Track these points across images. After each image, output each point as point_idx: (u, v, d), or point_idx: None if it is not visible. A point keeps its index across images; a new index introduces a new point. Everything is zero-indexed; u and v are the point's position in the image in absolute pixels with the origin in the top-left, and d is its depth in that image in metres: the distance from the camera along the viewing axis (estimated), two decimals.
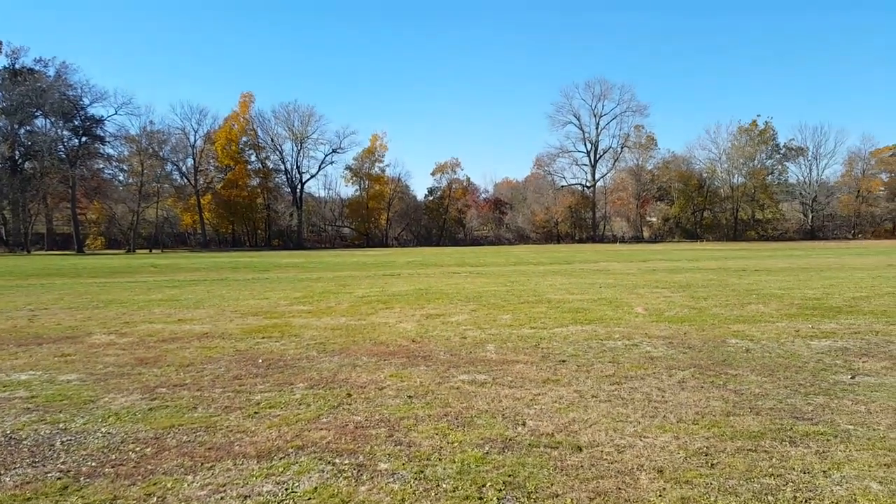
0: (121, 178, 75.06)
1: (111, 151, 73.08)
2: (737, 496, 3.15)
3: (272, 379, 5.81)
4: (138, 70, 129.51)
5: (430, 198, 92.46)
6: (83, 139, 69.01)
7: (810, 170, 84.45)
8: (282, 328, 8.90)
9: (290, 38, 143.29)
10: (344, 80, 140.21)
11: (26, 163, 66.01)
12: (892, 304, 10.62)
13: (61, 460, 3.78)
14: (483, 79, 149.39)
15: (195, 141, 77.48)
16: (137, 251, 63.93)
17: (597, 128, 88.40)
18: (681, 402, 4.83)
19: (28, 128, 65.12)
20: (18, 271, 25.64)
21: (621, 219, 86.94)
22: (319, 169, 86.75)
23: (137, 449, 3.95)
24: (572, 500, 3.14)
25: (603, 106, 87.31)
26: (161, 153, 73.00)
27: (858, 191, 79.72)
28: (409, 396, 5.12)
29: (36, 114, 64.05)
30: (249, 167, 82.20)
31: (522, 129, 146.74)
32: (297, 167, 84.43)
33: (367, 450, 3.87)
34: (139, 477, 3.50)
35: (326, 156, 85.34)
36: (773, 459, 3.62)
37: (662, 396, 5.02)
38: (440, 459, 3.69)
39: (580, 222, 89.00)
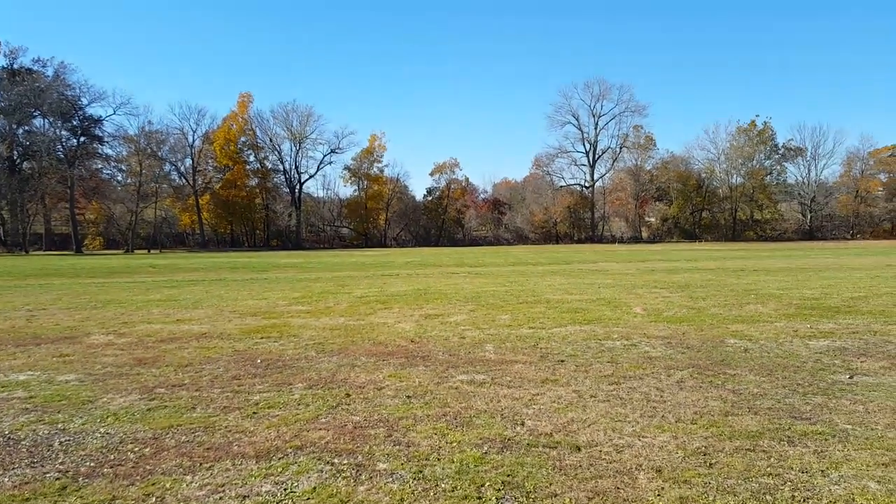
0: (119, 178, 75.16)
1: (109, 151, 73.16)
2: (735, 495, 3.15)
3: (271, 379, 5.81)
4: (136, 70, 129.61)
5: (429, 198, 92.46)
6: (81, 139, 68.95)
7: (809, 170, 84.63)
8: (280, 328, 8.89)
9: (289, 38, 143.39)
10: (342, 80, 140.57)
11: (24, 163, 65.93)
12: (890, 304, 10.64)
13: (60, 461, 3.78)
14: (482, 79, 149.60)
15: (193, 141, 77.63)
16: (136, 251, 63.87)
17: (595, 128, 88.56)
18: (679, 402, 4.84)
19: (26, 128, 65.08)
20: (17, 271, 25.61)
21: (620, 219, 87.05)
22: (318, 169, 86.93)
23: (136, 449, 3.94)
24: (571, 499, 3.14)
25: (602, 106, 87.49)
26: (159, 153, 72.95)
27: (857, 191, 79.78)
28: (408, 396, 5.12)
29: (34, 114, 63.99)
30: (248, 167, 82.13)
31: (521, 130, 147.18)
32: (296, 167, 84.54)
33: (366, 450, 3.87)
34: (138, 477, 3.50)
35: (325, 156, 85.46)
36: (772, 459, 3.63)
37: (661, 396, 5.02)
38: (439, 459, 3.69)
39: (579, 222, 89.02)
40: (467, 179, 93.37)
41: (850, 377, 5.61)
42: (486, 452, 3.79)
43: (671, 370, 5.96)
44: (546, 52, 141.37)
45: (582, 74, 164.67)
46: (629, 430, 4.17)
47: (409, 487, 3.30)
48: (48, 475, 3.55)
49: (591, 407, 4.75)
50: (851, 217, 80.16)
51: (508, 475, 3.44)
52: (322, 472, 3.53)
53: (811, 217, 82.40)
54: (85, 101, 67.65)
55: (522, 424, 4.33)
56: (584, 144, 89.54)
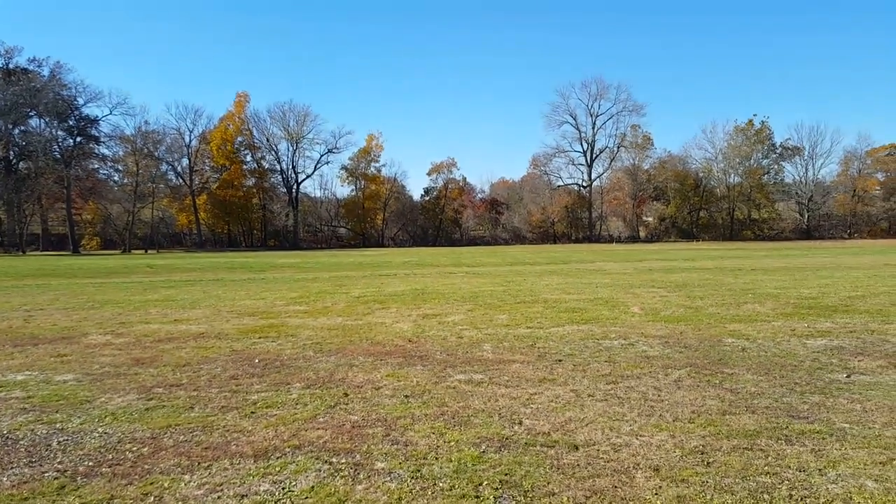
0: (116, 178, 74.93)
1: (106, 151, 72.93)
2: (733, 494, 3.16)
3: (269, 379, 5.81)
4: (133, 70, 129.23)
5: (427, 198, 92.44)
6: (78, 139, 68.73)
7: (806, 169, 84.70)
8: (278, 328, 8.89)
9: (286, 37, 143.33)
10: (340, 79, 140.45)
11: (21, 163, 65.72)
12: (887, 304, 10.67)
13: (58, 460, 3.77)
14: (479, 79, 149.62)
15: (190, 141, 77.43)
16: (133, 251, 63.74)
17: (593, 127, 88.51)
18: (677, 401, 4.85)
19: (22, 128, 64.83)
20: (14, 272, 25.54)
21: (618, 218, 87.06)
22: (315, 169, 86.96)
23: (134, 449, 3.94)
24: (568, 498, 3.15)
25: (599, 105, 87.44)
26: (156, 153, 72.80)
27: (854, 190, 79.92)
28: (406, 396, 5.12)
29: (30, 114, 63.75)
30: (245, 167, 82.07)
31: (519, 129, 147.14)
32: (293, 167, 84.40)
33: (364, 449, 3.87)
34: (136, 476, 3.50)
35: (322, 156, 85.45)
36: (769, 458, 3.64)
37: (658, 395, 5.03)
38: (437, 458, 3.70)
39: (576, 222, 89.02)
40: (465, 179, 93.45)
41: (848, 376, 5.63)
42: (483, 451, 3.80)
43: (669, 369, 5.97)
44: (543, 51, 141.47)
45: (579, 73, 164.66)
46: (627, 430, 4.18)
47: (407, 486, 3.31)
48: (46, 475, 3.54)
49: (589, 406, 4.75)
50: (849, 216, 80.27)
51: (506, 474, 3.45)
52: (320, 471, 3.53)
53: (809, 216, 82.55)
54: (81, 101, 67.49)
55: (520, 424, 4.34)
56: (581, 144, 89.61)
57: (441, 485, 3.32)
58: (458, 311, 10.56)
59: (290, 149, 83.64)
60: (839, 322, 8.73)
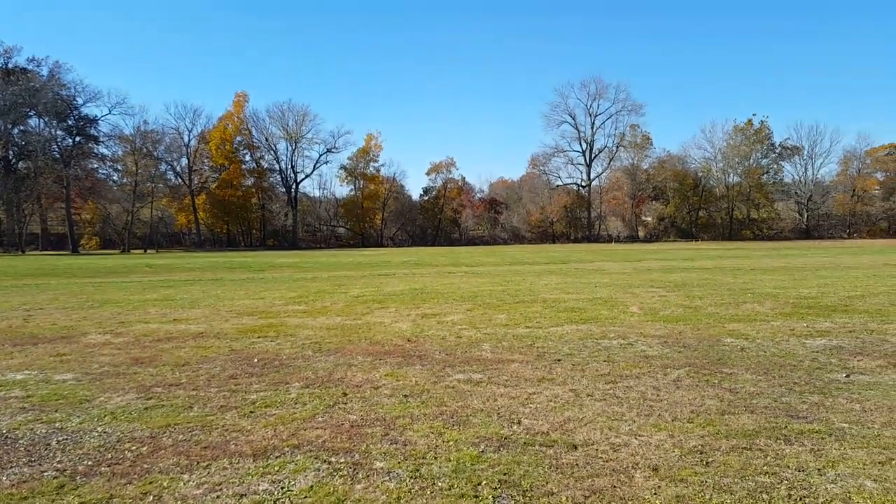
0: (115, 177, 74.87)
1: (105, 151, 72.90)
2: (731, 494, 3.17)
3: (268, 378, 5.81)
4: (133, 70, 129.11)
5: (426, 197, 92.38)
6: (77, 139, 68.69)
7: (806, 169, 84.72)
8: (277, 328, 8.88)
9: (285, 37, 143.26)
10: (338, 79, 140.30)
11: (20, 163, 65.66)
12: (886, 303, 10.68)
13: (57, 459, 3.77)
14: (478, 78, 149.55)
15: (189, 140, 77.36)
16: (132, 251, 63.70)
17: (592, 127, 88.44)
18: (676, 401, 4.85)
19: (21, 128, 64.78)
20: (13, 271, 25.52)
21: (617, 218, 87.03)
22: (314, 169, 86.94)
23: (133, 448, 3.94)
24: (567, 498, 3.15)
25: (598, 105, 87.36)
26: (155, 153, 72.72)
27: (854, 190, 79.95)
28: (405, 395, 5.12)
29: (29, 113, 63.69)
30: (244, 167, 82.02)
31: (518, 129, 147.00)
32: (292, 167, 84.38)
33: (363, 448, 3.87)
34: (135, 476, 3.50)
35: (321, 155, 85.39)
36: (768, 458, 3.64)
37: (657, 395, 5.03)
38: (436, 458, 3.70)
39: (575, 222, 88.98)
40: (464, 179, 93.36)
41: (847, 376, 5.63)
42: (482, 451, 3.80)
43: (668, 369, 5.97)
44: (542, 51, 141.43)
45: (578, 73, 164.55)
46: (626, 429, 4.18)
47: (406, 486, 3.31)
48: (46, 474, 3.54)
49: (588, 406, 4.76)
50: (848, 216, 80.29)
51: (505, 474, 3.45)
52: (319, 470, 3.54)
53: (808, 216, 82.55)
54: (80, 101, 67.47)
55: (519, 423, 4.34)
56: (580, 143, 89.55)
57: (440, 484, 3.32)
58: (456, 310, 10.57)
59: (289, 148, 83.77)
60: (838, 322, 8.74)
